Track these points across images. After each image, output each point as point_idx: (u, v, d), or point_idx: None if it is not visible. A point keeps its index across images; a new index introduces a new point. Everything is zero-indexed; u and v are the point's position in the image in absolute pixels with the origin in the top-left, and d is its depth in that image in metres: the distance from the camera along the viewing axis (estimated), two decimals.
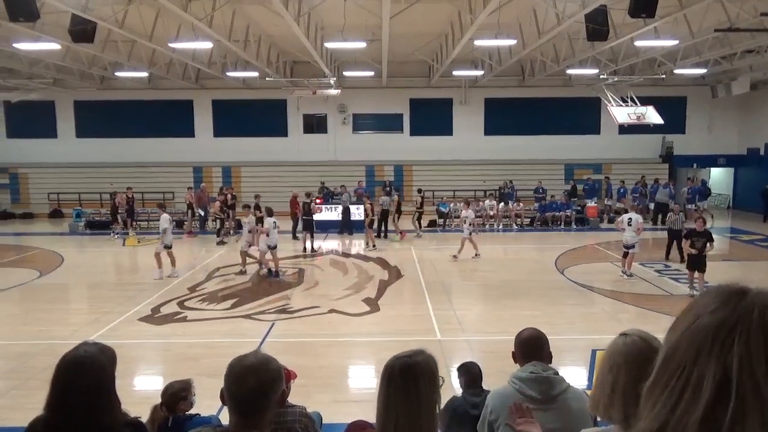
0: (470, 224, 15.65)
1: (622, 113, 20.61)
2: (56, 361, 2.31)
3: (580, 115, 25.79)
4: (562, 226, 21.50)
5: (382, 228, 19.34)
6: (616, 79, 21.03)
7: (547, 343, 3.18)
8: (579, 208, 22.30)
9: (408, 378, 2.12)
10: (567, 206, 21.93)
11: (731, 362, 0.78)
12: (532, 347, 3.13)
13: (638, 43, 16.27)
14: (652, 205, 22.57)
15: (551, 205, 21.99)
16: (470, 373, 4.57)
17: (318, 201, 19.81)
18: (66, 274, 14.76)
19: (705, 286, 10.90)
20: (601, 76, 20.72)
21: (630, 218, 13.30)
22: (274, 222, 13.96)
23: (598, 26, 12.26)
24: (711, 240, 11.41)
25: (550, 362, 3.12)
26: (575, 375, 7.63)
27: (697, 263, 11.40)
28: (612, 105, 20.81)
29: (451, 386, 6.42)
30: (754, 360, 0.77)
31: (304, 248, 17.00)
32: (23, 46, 14.86)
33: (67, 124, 26.25)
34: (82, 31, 12.22)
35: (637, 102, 20.69)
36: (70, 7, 11.31)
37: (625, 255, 13.31)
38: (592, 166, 25.63)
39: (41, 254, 17.02)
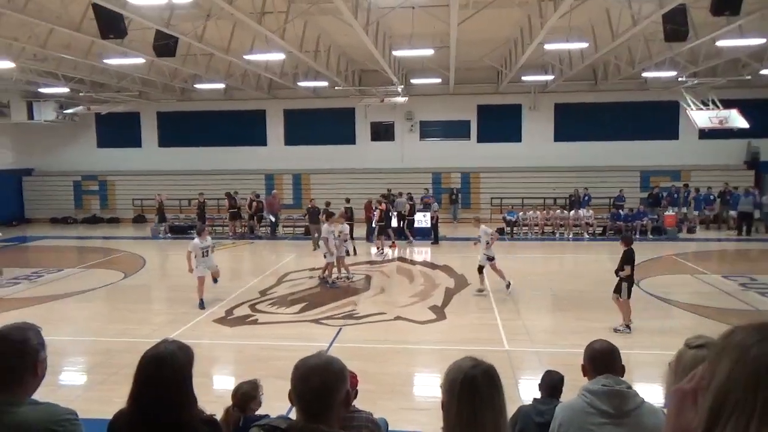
0: (344, 240, 14.13)
1: (702, 117, 19.54)
2: (138, 358, 2.46)
3: (656, 119, 24.64)
4: (638, 236, 20.58)
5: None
6: (696, 81, 19.92)
7: (619, 355, 3.06)
8: (656, 216, 21.34)
9: (492, 386, 2.11)
10: (644, 215, 21.01)
11: None
12: (603, 360, 3.01)
13: (720, 43, 15.38)
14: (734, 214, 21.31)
15: (627, 216, 21.13)
16: (548, 380, 4.47)
17: (381, 208, 19.88)
18: (148, 276, 15.61)
19: (621, 326, 9.85)
20: (680, 79, 19.73)
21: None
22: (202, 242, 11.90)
23: (676, 26, 11.70)
24: (628, 263, 9.78)
25: (622, 375, 3.00)
26: (650, 391, 7.28)
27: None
28: (692, 109, 19.78)
29: (518, 396, 6.32)
30: None
31: (355, 251, 17.27)
32: (112, 61, 15.97)
33: (150, 134, 27.85)
34: (164, 45, 12.92)
35: (720, 105, 19.57)
36: (154, 23, 12.01)
37: (480, 270, 12.75)
38: (669, 173, 24.40)
39: (126, 257, 18.08)
